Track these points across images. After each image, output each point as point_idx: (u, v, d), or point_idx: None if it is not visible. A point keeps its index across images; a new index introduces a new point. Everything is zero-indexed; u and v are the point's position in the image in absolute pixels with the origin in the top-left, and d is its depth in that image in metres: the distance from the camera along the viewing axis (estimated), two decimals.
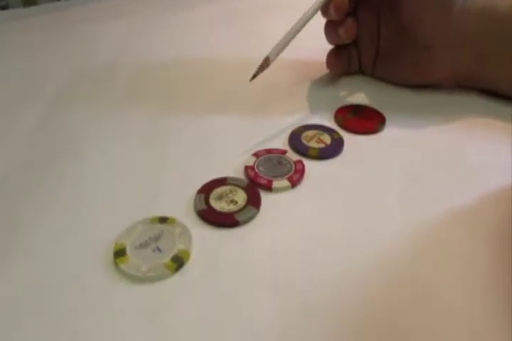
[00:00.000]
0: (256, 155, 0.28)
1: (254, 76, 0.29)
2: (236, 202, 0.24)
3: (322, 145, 0.29)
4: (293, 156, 0.28)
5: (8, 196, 0.25)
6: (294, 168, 0.27)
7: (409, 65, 0.34)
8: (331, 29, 0.34)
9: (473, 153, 0.28)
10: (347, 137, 0.30)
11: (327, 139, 0.29)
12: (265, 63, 0.29)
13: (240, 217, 0.23)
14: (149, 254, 0.21)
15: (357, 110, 0.32)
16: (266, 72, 0.29)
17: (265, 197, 0.25)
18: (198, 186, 0.25)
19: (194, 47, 0.43)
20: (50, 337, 0.18)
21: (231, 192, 0.25)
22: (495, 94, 0.33)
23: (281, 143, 0.30)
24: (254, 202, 0.24)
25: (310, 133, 0.30)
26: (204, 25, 0.48)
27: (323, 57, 0.36)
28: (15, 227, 0.23)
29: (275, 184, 0.25)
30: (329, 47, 0.35)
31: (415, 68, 0.34)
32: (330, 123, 0.31)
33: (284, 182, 0.26)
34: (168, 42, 0.44)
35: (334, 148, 0.29)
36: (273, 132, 0.30)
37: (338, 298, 0.20)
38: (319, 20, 0.32)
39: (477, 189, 0.26)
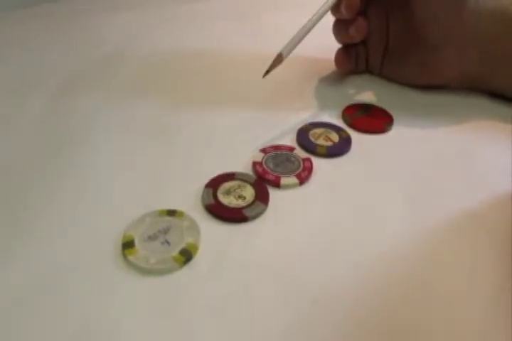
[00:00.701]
0: (264, 151, 0.28)
1: (267, 72, 0.29)
2: (244, 198, 0.24)
3: (330, 144, 0.29)
4: (301, 153, 0.28)
5: (14, 185, 0.25)
6: (302, 165, 0.27)
7: (417, 65, 0.34)
8: (340, 28, 0.34)
9: (480, 155, 0.29)
10: (354, 136, 0.30)
11: (335, 137, 0.29)
12: (278, 59, 0.29)
13: (248, 213, 0.23)
14: (158, 247, 0.21)
15: (365, 109, 0.33)
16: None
17: (273, 193, 0.25)
18: (206, 180, 0.25)
19: (200, 41, 0.43)
20: (57, 327, 0.18)
21: (239, 187, 0.25)
22: (503, 96, 0.33)
23: (288, 140, 0.30)
24: (262, 197, 0.24)
25: (318, 130, 0.30)
26: (208, 18, 0.48)
27: (331, 55, 0.36)
28: (20, 218, 0.23)
29: (283, 181, 0.26)
30: (336, 44, 0.35)
31: (423, 68, 0.34)
32: (338, 121, 0.31)
33: (293, 179, 0.26)
34: (171, 35, 0.44)
35: (342, 147, 0.29)
36: (281, 129, 0.30)
37: (345, 294, 0.20)
38: (326, 18, 0.32)
39: (484, 191, 0.26)
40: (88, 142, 0.29)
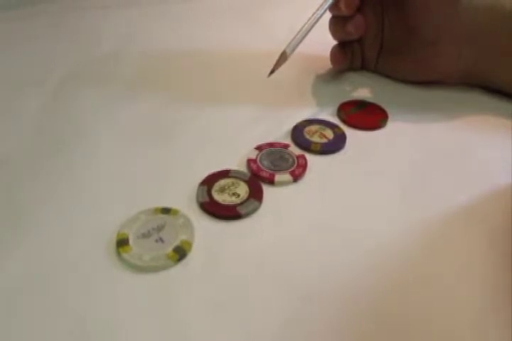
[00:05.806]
0: (259, 148, 0.28)
1: (271, 71, 0.29)
2: (238, 195, 0.24)
3: (324, 140, 0.29)
4: (295, 150, 0.28)
5: (10, 182, 0.25)
6: (296, 162, 0.27)
7: (413, 61, 0.34)
8: (338, 25, 0.33)
9: (476, 151, 0.29)
10: (349, 132, 0.30)
11: (329, 134, 0.29)
12: (282, 58, 0.29)
13: (242, 210, 0.23)
14: (152, 244, 0.21)
15: (360, 106, 0.33)
16: (268, 66, 0.29)
17: (267, 190, 0.25)
18: (201, 178, 0.26)
19: (198, 38, 0.43)
20: (51, 325, 0.19)
21: (233, 184, 0.25)
22: (501, 92, 0.33)
23: (283, 137, 0.30)
24: (256, 195, 0.24)
25: (313, 127, 0.30)
26: (206, 15, 0.48)
27: (326, 52, 0.35)
28: (16, 215, 0.23)
29: (277, 178, 0.26)
30: (331, 41, 0.35)
31: (419, 64, 0.33)
32: (333, 118, 0.32)
33: (287, 176, 0.26)
34: (169, 33, 0.44)
35: (337, 143, 0.29)
36: (276, 126, 0.31)
37: (339, 289, 0.20)
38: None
39: (480, 186, 0.26)
40: (85, 140, 0.29)
